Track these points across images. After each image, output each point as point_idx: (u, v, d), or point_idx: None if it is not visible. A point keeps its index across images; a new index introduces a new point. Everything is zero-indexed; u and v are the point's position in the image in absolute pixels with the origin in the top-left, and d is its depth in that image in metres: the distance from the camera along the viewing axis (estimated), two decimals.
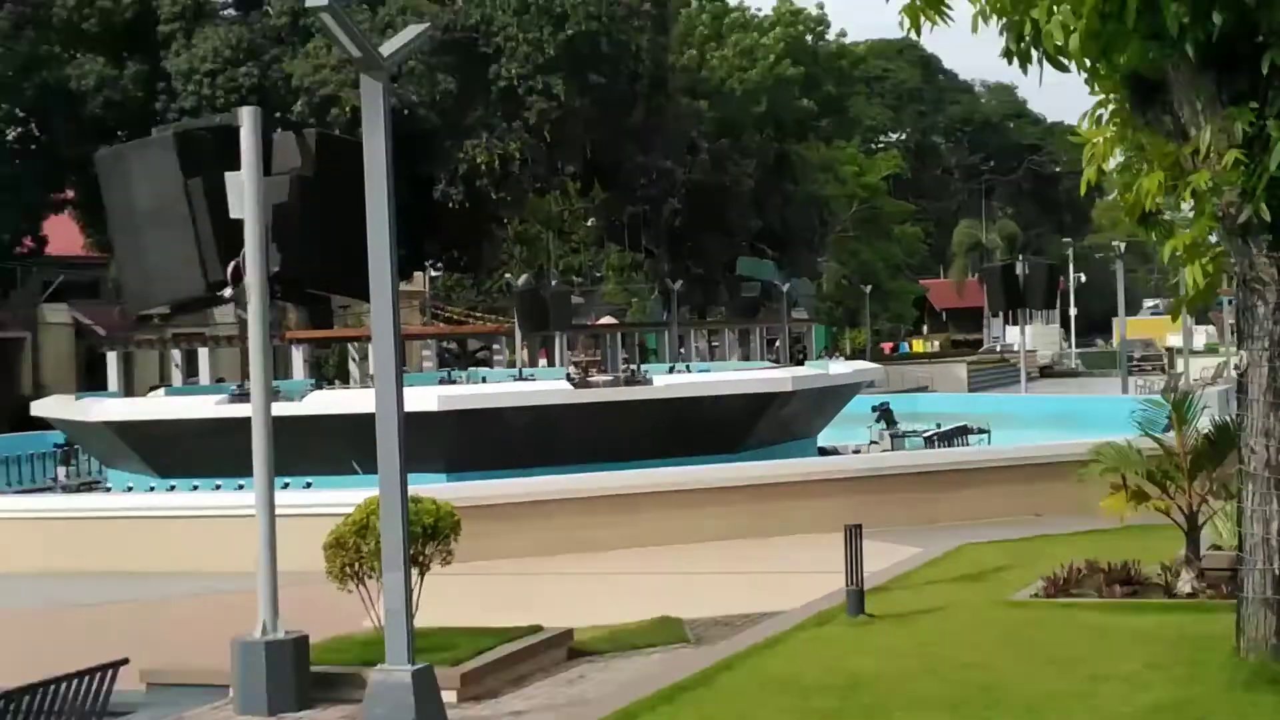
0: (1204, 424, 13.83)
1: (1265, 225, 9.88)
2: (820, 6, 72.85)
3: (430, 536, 11.74)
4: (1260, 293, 10.04)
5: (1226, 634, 10.50)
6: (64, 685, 7.33)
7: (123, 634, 14.34)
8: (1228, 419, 13.25)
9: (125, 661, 7.68)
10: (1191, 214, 10.33)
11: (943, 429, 30.06)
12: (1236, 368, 10.42)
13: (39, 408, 32.06)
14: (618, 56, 47.42)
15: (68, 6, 44.91)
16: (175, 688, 11.62)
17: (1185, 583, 13.13)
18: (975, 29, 10.22)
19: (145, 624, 15.15)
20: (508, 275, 61.26)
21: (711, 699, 10.24)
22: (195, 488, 23.33)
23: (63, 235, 52.46)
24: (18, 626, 15.38)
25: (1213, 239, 10.46)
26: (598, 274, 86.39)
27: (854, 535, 13.00)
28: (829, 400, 29.18)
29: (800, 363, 47.51)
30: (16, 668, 10.98)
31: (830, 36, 74.15)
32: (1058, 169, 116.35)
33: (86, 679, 7.43)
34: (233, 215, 11.07)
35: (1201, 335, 77.63)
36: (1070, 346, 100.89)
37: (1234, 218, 9.95)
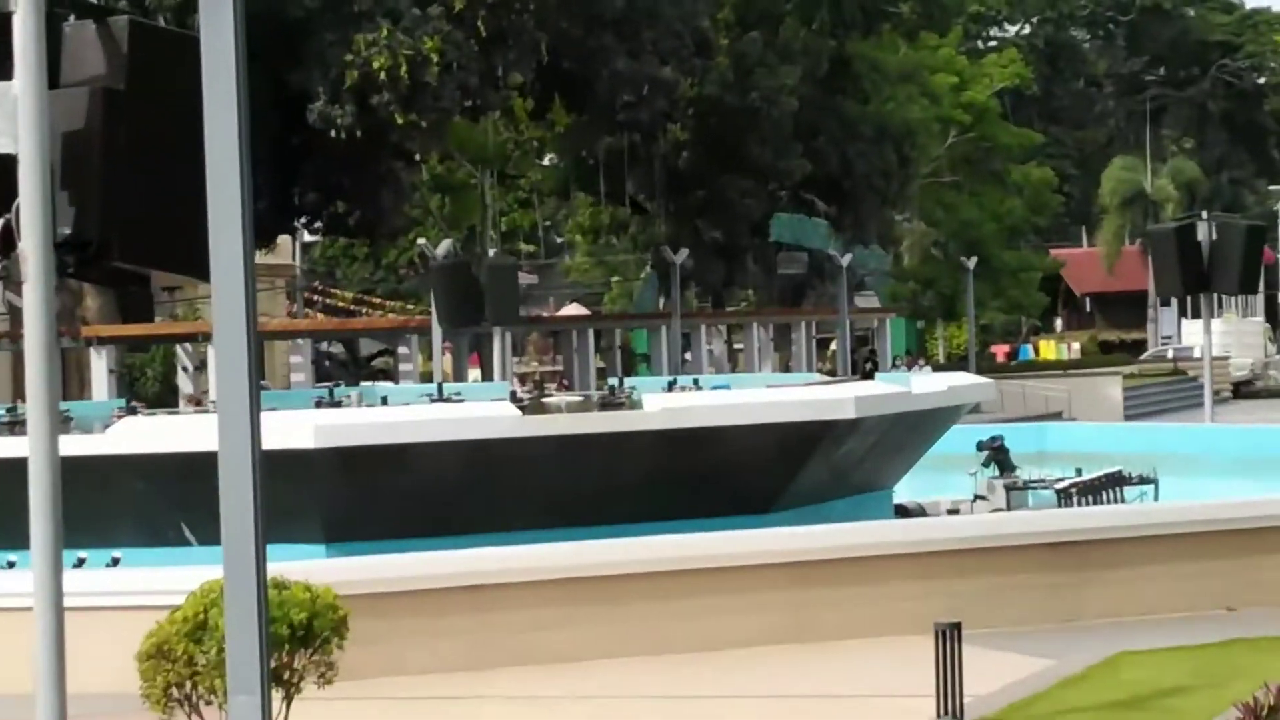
0: None
1: None
2: None
3: (302, 641, 11.74)
4: None
5: None
6: None
7: None
8: None
9: None
10: None
11: (1086, 478, 30.06)
12: None
13: None
14: None
15: None
16: None
17: None
18: None
19: None
20: (421, 241, 61.23)
21: None
22: None
23: None
24: None
25: None
26: (559, 239, 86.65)
27: (950, 639, 13.01)
28: (911, 433, 29.18)
29: (869, 375, 47.47)
30: None
31: None
32: (1261, 80, 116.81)
33: None
34: None
35: None
36: None
37: None
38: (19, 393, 47.35)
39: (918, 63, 77.19)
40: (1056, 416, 57.01)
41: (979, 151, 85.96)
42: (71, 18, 11.70)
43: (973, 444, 31.92)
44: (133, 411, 30.62)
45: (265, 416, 10.74)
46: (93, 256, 11.62)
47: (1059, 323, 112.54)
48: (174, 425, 26.29)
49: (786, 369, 63.43)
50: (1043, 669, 16.74)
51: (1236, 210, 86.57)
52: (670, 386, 34.92)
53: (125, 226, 11.48)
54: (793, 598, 19.35)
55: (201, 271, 10.47)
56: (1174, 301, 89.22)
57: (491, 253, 66.75)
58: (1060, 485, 29.49)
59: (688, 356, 62.37)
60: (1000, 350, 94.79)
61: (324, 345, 70.28)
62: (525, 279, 70.37)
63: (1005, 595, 19.51)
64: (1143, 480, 30.18)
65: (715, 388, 34.81)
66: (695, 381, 37.88)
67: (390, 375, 61.45)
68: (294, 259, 79.76)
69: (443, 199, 75.13)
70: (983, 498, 29.95)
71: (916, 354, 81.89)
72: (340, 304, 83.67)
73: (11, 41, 11.06)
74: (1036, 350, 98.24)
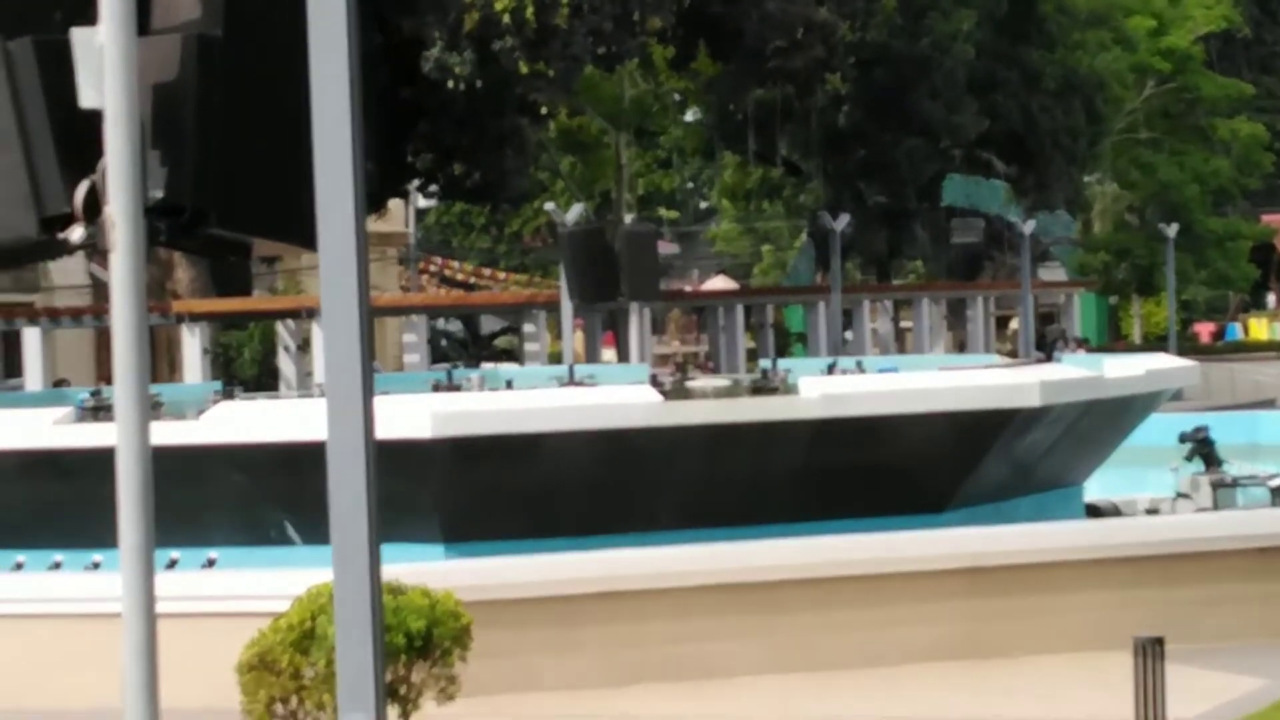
0: None
1: None
2: None
3: (420, 652, 11.84)
4: None
5: None
6: None
7: None
8: None
9: None
10: None
11: None
12: None
13: None
14: None
15: None
16: None
17: None
18: None
19: None
20: (549, 207, 61.42)
21: None
22: (19, 566, 23.61)
23: None
24: None
25: None
26: (704, 204, 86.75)
27: (1150, 655, 12.97)
28: (1104, 423, 29.09)
29: (1051, 357, 47.26)
30: None
31: None
32: None
33: None
34: (83, 104, 11.15)
35: None
36: None
37: None
38: (104, 375, 47.94)
39: (1110, 3, 76.71)
40: (1270, 404, 56.49)
41: (1180, 105, 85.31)
42: None
43: (1174, 435, 31.78)
44: (230, 396, 30.92)
45: (377, 402, 10.82)
46: (187, 223, 11.72)
47: (1271, 299, 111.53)
48: (276, 411, 26.51)
49: (961, 350, 63.28)
50: (1256, 689, 16.69)
51: None
52: (830, 369, 34.91)
53: (223, 190, 11.57)
54: (969, 608, 19.35)
55: (307, 240, 10.55)
56: None
57: (628, 219, 66.87)
58: (1275, 482, 29.32)
59: (849, 336, 62.37)
60: (1205, 329, 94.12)
61: (441, 322, 70.68)
62: (665, 249, 70.64)
63: (1212, 606, 19.42)
64: None
65: (881, 371, 34.81)
66: (858, 364, 37.87)
67: (514, 356, 61.64)
68: (407, 226, 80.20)
69: (573, 160, 75.34)
70: (1186, 496, 29.82)
71: (1110, 334, 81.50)
72: (459, 277, 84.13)
73: None
74: (1246, 329, 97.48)
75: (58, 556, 23.19)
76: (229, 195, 11.58)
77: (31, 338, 51.19)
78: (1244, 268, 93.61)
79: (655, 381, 29.69)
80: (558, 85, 50.70)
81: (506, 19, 45.60)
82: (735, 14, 53.54)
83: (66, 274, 61.68)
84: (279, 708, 11.87)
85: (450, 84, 46.75)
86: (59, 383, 47.85)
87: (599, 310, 53.41)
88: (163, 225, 11.61)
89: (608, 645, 18.57)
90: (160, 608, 11.42)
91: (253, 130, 11.57)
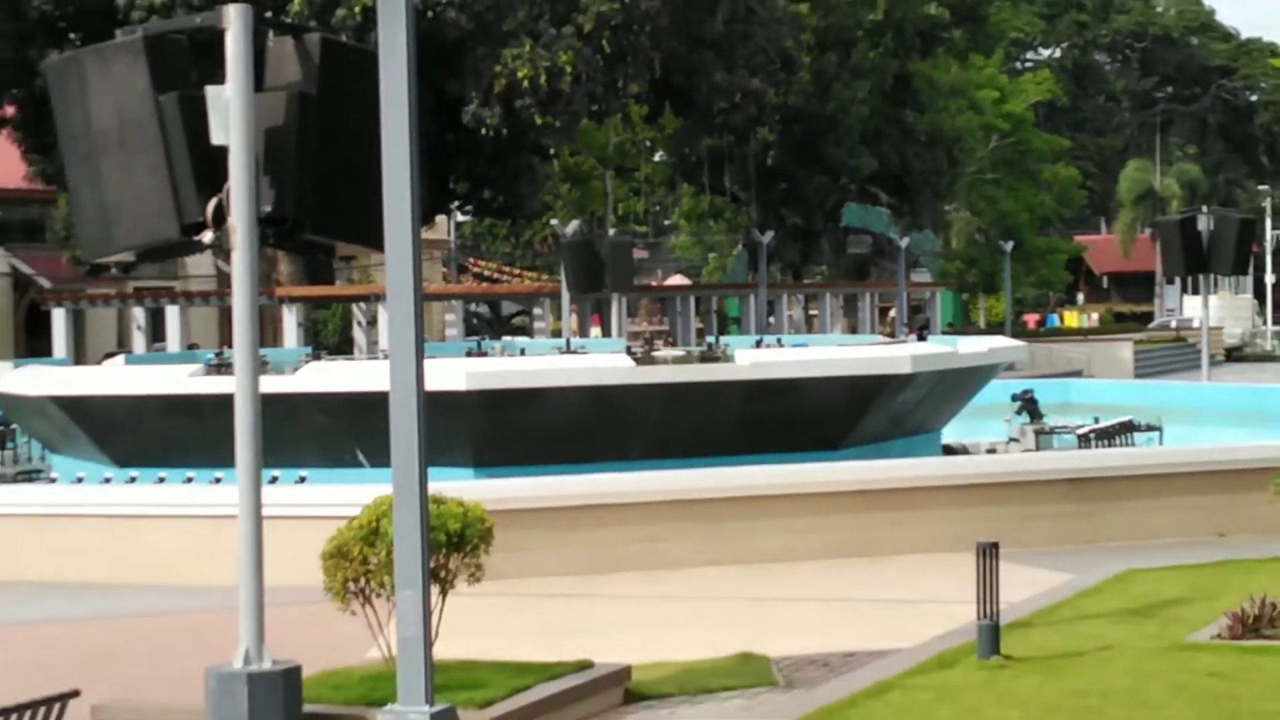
0: None
1: None
2: None
3: (456, 546, 11.80)
4: None
5: None
6: None
7: (71, 660, 14.50)
8: None
9: (75, 694, 7.78)
10: None
11: (1102, 425, 29.85)
12: None
13: None
14: None
15: None
16: None
17: None
18: None
19: (98, 648, 15.30)
20: (553, 222, 61.27)
21: None
22: (161, 480, 23.52)
23: (0, 162, 52.99)
24: None
25: None
26: (666, 222, 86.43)
27: (988, 556, 12.95)
28: (957, 386, 29.03)
29: (922, 338, 47.33)
30: None
31: None
32: (1254, 98, 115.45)
33: (28, 714, 7.53)
34: (214, 141, 11.11)
35: None
36: (1267, 324, 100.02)
37: None
38: (225, 341, 47.86)
39: (966, 80, 76.54)
40: (1077, 374, 56.43)
41: (1016, 154, 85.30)
42: (272, 34, 11.72)
43: (1008, 396, 31.79)
44: (317, 357, 30.82)
45: (427, 363, 10.82)
46: (287, 230, 11.68)
47: (1080, 297, 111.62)
48: (351, 369, 26.44)
49: (853, 331, 63.15)
50: (1064, 582, 16.67)
51: (1230, 206, 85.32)
52: (757, 344, 34.85)
53: (315, 206, 11.52)
54: (858, 520, 19.35)
55: (377, 243, 10.54)
56: (1177, 280, 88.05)
57: (610, 232, 66.49)
58: (1080, 431, 29.32)
59: (771, 320, 62.17)
60: (1031, 319, 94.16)
61: (472, 306, 70.40)
62: (638, 254, 70.24)
63: (1034, 521, 19.45)
64: (1149, 428, 29.97)
65: (795, 345, 34.75)
66: (778, 340, 37.78)
67: (526, 331, 61.54)
68: (449, 235, 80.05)
69: (570, 188, 75.09)
70: (1016, 440, 29.83)
71: (962, 321, 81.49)
72: (486, 273, 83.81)
73: (225, 53, 11.13)
74: (1061, 319, 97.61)
75: (189, 474, 23.15)
76: (319, 210, 11.54)
77: (172, 313, 51.09)
78: (1061, 274, 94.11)
79: (629, 351, 29.60)
80: (561, 134, 50.55)
81: (526, 84, 45.46)
82: (692, 84, 53.40)
83: (198, 266, 61.48)
84: (351, 585, 11.84)
85: (482, 131, 46.58)
86: (192, 346, 47.68)
87: (589, 298, 53.18)
88: (270, 231, 11.58)
89: (590, 544, 18.56)
90: (265, 512, 11.42)
91: (337, 162, 11.53)
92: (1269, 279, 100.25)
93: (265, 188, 11.23)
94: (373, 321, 50.53)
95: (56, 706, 7.60)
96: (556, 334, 51.10)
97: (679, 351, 31.33)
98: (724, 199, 71.67)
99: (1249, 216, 51.82)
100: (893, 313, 70.61)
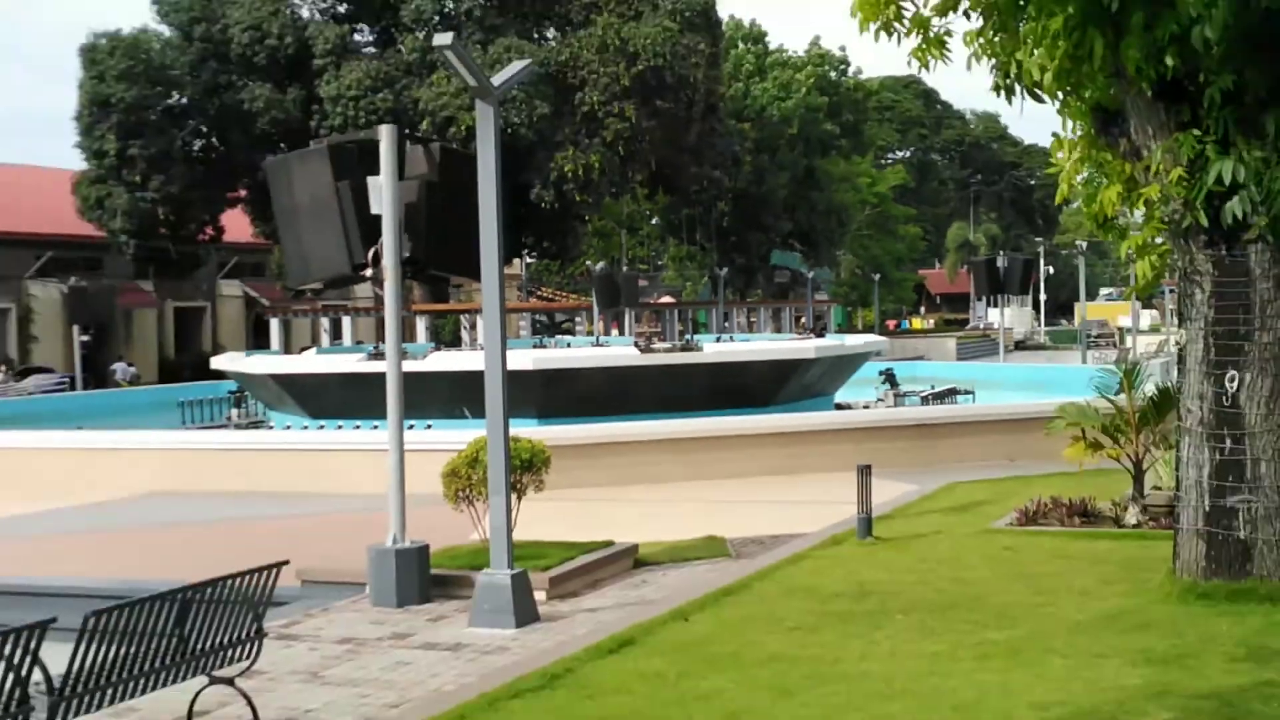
0: (1149, 389, 13.86)
1: (1202, 229, 9.80)
2: (843, 49, 72.76)
3: (526, 468, 11.83)
4: (1198, 283, 9.96)
5: (1165, 558, 10.45)
6: (237, 580, 7.46)
7: (283, 542, 14.54)
8: (1168, 384, 13.20)
9: (285, 563, 7.81)
10: (1142, 220, 10.29)
11: (936, 390, 29.87)
12: (1177, 343, 10.32)
13: (217, 362, 32.56)
14: (679, 87, 47.35)
15: (242, 44, 45.53)
16: (324, 585, 11.77)
17: (1132, 516, 13.07)
18: (969, 67, 10.20)
19: (301, 535, 15.33)
20: (588, 262, 61.25)
21: (749, 601, 10.28)
22: (340, 427, 23.57)
23: (237, 225, 53.12)
24: (204, 536, 15.62)
25: (1159, 240, 10.43)
26: (660, 262, 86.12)
27: (864, 474, 13.00)
28: (844, 366, 29.08)
29: (821, 335, 47.25)
30: (202, 567, 11.19)
31: (850, 73, 73.69)
32: (1033, 182, 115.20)
33: (256, 575, 7.55)
34: (373, 211, 11.15)
35: (1147, 317, 76.38)
36: (1040, 325, 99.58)
37: (1178, 223, 9.88)
38: (379, 338, 47.70)
39: (850, 172, 76.22)
40: (920, 359, 56.23)
41: (881, 218, 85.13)
42: (409, 144, 11.74)
43: (876, 372, 31.80)
44: (438, 349, 30.84)
45: (508, 353, 10.82)
46: (419, 268, 11.70)
47: (922, 309, 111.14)
48: (460, 357, 26.48)
49: (778, 332, 63.01)
50: (912, 490, 16.68)
51: (1017, 252, 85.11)
52: (717, 340, 34.85)
53: (437, 252, 11.54)
54: (783, 450, 19.34)
55: (476, 275, 10.56)
56: (984, 298, 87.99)
57: (624, 268, 66.32)
58: (923, 394, 29.34)
59: (727, 325, 61.99)
60: (891, 323, 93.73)
61: (537, 317, 70.19)
62: (642, 283, 70.01)
63: (893, 452, 19.44)
64: (966, 392, 29.99)
65: (741, 341, 34.73)
66: (731, 338, 37.80)
67: (571, 333, 61.38)
68: (521, 271, 79.63)
69: (599, 240, 74.85)
70: (881, 400, 29.85)
71: (847, 325, 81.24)
72: (545, 295, 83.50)
73: (379, 155, 11.15)
74: (910, 324, 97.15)
75: (357, 424, 23.17)
76: (439, 254, 11.56)
77: (346, 322, 50.94)
78: (910, 295, 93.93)
79: (636, 345, 29.64)
80: (593, 207, 50.41)
81: (570, 176, 45.42)
82: (676, 175, 53.27)
83: (363, 291, 61.27)
84: (460, 494, 11.85)
85: (542, 205, 46.52)
86: (358, 343, 47.58)
87: (611, 312, 53.06)
88: (408, 268, 11.59)
89: (611, 467, 18.56)
90: (406, 448, 11.43)
91: (450, 223, 11.54)
92: (1042, 297, 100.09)
93: (405, 241, 11.26)
94: (473, 326, 50.37)
95: (274, 571, 7.62)
96: (590, 334, 50.97)
97: (668, 345, 31.36)
98: (696, 247, 71.55)
99: (1029, 258, 51.94)
100: (803, 320, 70.37)
